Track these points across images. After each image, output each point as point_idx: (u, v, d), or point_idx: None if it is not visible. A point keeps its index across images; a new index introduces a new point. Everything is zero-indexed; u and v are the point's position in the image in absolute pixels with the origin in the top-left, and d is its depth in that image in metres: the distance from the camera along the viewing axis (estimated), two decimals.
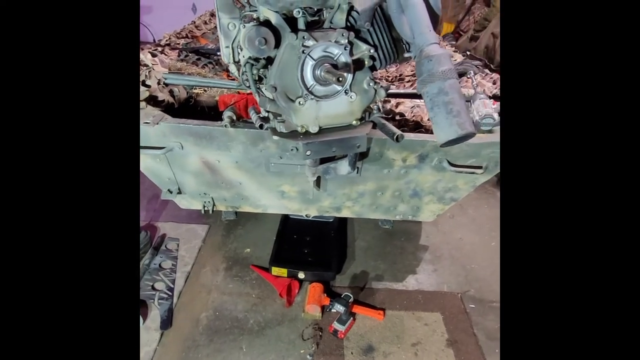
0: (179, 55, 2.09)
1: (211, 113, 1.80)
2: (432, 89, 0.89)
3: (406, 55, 1.16)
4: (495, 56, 4.01)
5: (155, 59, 1.80)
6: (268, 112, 1.23)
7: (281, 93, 1.11)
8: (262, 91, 1.19)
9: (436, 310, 2.38)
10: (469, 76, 1.81)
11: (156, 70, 1.70)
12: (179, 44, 2.34)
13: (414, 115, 1.87)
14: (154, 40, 3.02)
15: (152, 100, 1.63)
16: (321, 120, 1.17)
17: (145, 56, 1.77)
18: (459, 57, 2.30)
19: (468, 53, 4.46)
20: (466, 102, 1.71)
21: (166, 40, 2.35)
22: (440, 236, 2.98)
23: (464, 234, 3.01)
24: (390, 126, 1.21)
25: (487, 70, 2.01)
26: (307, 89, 1.12)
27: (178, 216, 2.89)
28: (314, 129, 1.17)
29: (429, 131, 1.85)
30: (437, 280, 2.60)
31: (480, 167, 1.59)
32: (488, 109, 1.51)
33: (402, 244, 2.87)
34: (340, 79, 1.00)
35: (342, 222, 2.82)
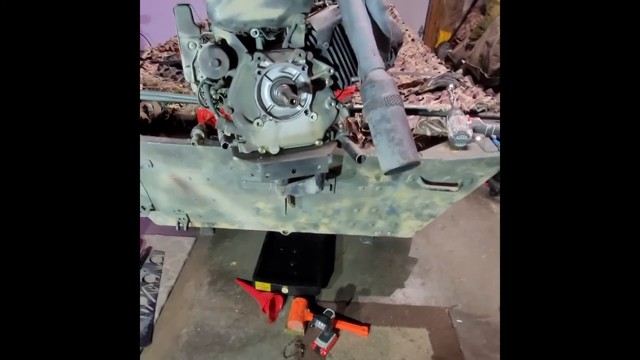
0: (158, 69, 2.08)
1: (188, 128, 1.78)
2: (375, 115, 0.86)
3: (353, 79, 1.14)
4: (489, 65, 3.98)
5: None
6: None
7: (238, 114, 1.09)
8: (220, 112, 1.17)
9: (422, 325, 2.33)
10: (448, 90, 1.78)
11: None
12: (160, 57, 2.34)
13: None
14: (149, 45, 3.02)
15: None
16: (281, 141, 1.15)
17: None
18: (442, 69, 2.27)
19: (463, 62, 4.44)
20: (443, 118, 1.68)
21: (148, 54, 2.35)
22: (430, 248, 2.93)
23: (455, 246, 2.96)
24: (354, 146, 1.18)
25: (468, 84, 1.98)
26: (265, 110, 1.10)
27: (165, 228, 2.86)
28: (274, 150, 1.15)
29: None
30: (425, 294, 2.55)
31: (455, 185, 1.55)
32: (462, 125, 1.47)
33: (391, 256, 2.83)
34: (294, 101, 0.98)
35: (331, 235, 2.79)
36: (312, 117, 1.14)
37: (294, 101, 0.98)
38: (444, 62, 2.62)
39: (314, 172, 1.20)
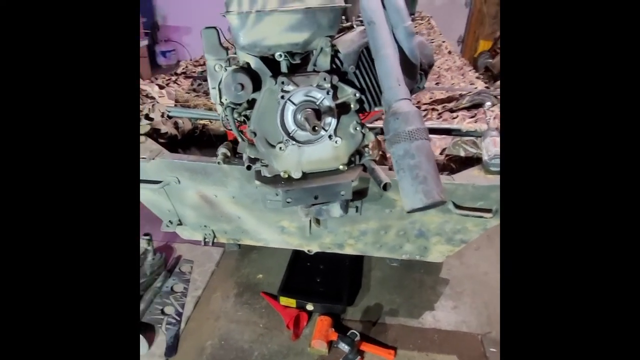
0: (192, 84, 2.12)
1: (218, 143, 1.79)
2: (398, 150, 0.81)
3: (377, 109, 1.09)
4: None
5: (162, 91, 1.84)
6: None
7: (261, 138, 1.08)
8: (244, 135, 1.16)
9: (452, 352, 2.22)
10: (485, 108, 1.70)
11: (162, 102, 1.73)
12: (194, 72, 2.39)
13: None
14: (190, 59, 3.11)
15: (156, 133, 1.65)
16: (304, 165, 1.12)
17: (152, 88, 1.81)
18: (480, 85, 2.17)
19: None
20: (478, 138, 1.60)
21: (182, 69, 2.41)
22: (464, 270, 2.80)
23: (490, 268, 2.81)
24: (379, 172, 1.13)
25: None
26: (288, 134, 1.07)
27: None
28: (296, 175, 1.12)
29: (439, 166, 1.75)
30: (457, 318, 2.43)
31: (489, 211, 1.46)
32: (498, 148, 1.39)
33: (421, 276, 2.72)
34: (316, 128, 0.95)
35: None
36: (336, 141, 1.10)
37: (316, 128, 0.95)
38: (482, 74, 2.51)
39: (337, 198, 1.16)
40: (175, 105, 1.81)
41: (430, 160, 0.79)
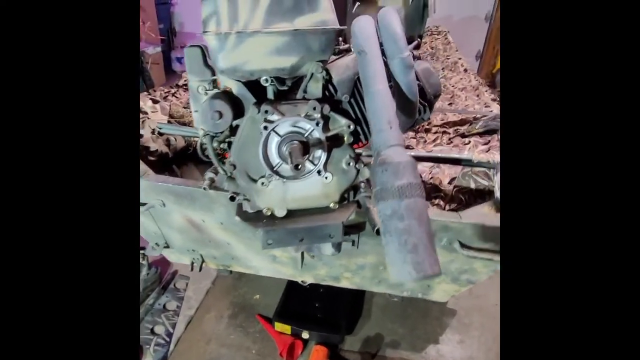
0: None
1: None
2: (385, 208, 0.68)
3: (364, 154, 0.96)
4: None
5: (156, 105, 1.75)
6: None
7: (241, 172, 0.96)
8: (224, 165, 1.05)
9: None
10: (499, 137, 1.56)
11: (155, 118, 1.64)
12: None
13: (432, 177, 1.64)
14: None
15: (145, 151, 1.56)
16: (289, 203, 1.00)
17: (145, 103, 1.72)
18: (495, 108, 2.02)
19: None
20: (491, 170, 1.46)
21: (184, 81, 2.32)
22: (472, 300, 2.63)
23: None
24: (374, 214, 1.00)
25: None
26: (272, 168, 0.95)
27: None
28: (280, 213, 1.00)
29: (447, 197, 1.62)
30: (463, 353, 2.27)
31: (499, 253, 1.32)
32: None
33: (427, 305, 2.56)
34: (299, 167, 0.83)
35: None
36: (326, 177, 0.98)
37: (299, 167, 0.83)
38: (500, 91, 2.36)
39: (324, 241, 1.04)
40: (169, 121, 1.72)
41: (423, 223, 0.66)
